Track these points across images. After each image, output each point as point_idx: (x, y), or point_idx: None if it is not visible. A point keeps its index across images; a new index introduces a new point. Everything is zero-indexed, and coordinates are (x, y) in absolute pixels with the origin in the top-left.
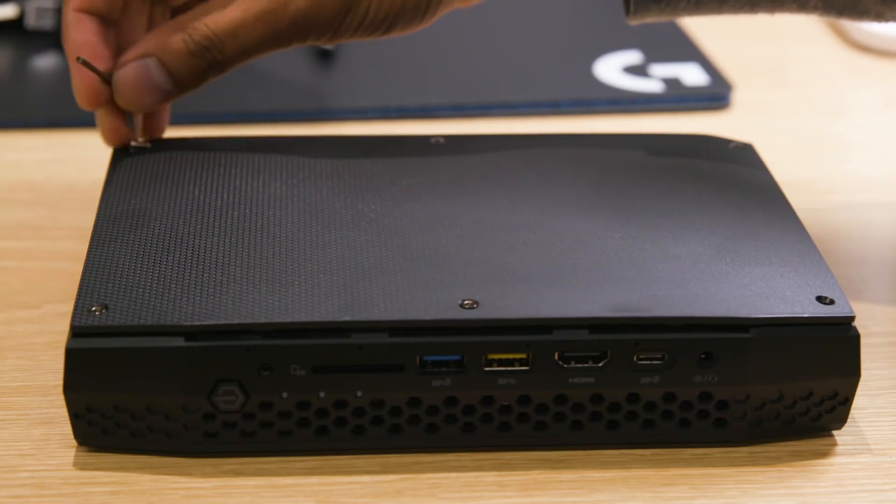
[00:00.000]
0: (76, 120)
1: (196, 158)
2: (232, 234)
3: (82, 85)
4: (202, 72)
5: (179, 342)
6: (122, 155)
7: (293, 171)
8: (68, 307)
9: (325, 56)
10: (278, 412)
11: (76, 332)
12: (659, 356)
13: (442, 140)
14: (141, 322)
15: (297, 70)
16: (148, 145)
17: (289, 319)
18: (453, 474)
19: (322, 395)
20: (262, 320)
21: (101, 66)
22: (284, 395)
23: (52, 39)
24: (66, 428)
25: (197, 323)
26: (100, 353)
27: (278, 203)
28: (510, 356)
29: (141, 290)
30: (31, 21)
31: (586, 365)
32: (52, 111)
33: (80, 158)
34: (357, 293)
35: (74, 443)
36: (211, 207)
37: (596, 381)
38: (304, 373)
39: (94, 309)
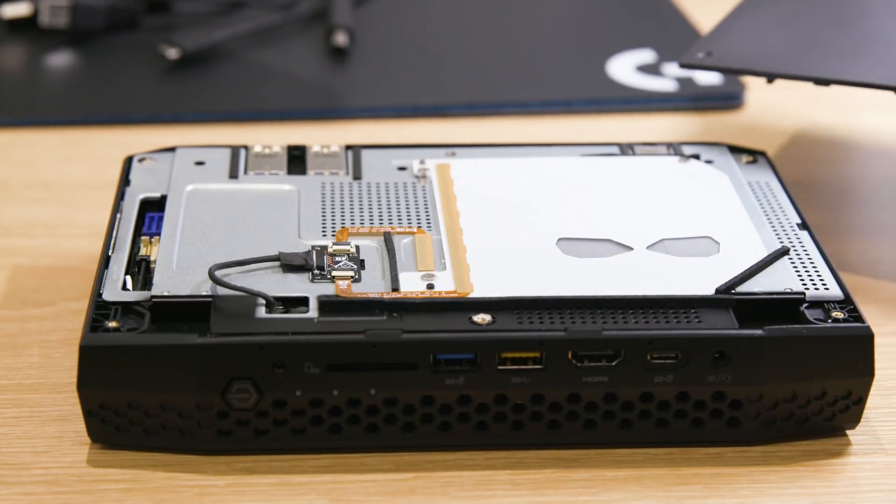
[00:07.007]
0: (90, 118)
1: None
2: None
3: None
4: None
5: (193, 339)
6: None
7: None
8: (82, 305)
9: (338, 54)
10: (292, 410)
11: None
12: (672, 355)
13: None
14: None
15: (311, 68)
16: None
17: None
18: (466, 473)
19: (335, 393)
20: None
21: None
22: (298, 393)
23: (65, 37)
24: (80, 425)
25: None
26: (114, 351)
27: None
28: (524, 355)
29: None
30: (45, 19)
31: (600, 364)
32: (66, 109)
33: (94, 156)
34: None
35: (88, 440)
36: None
37: (609, 380)
38: (318, 371)
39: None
